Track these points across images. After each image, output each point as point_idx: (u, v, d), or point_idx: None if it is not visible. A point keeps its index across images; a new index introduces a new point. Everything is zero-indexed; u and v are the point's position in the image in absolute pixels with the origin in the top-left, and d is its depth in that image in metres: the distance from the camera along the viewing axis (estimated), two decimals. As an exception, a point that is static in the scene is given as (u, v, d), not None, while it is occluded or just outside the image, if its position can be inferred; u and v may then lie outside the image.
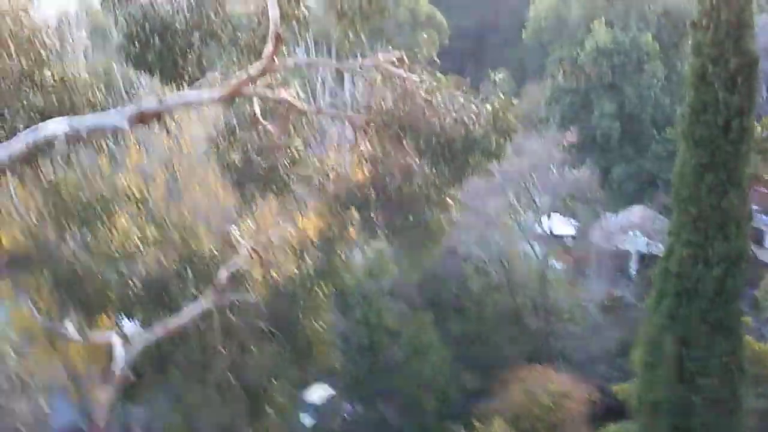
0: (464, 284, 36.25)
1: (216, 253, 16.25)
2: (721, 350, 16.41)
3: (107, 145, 16.47)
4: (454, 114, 13.74)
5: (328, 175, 15.58)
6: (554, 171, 37.12)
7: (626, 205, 55.25)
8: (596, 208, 47.39)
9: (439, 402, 32.76)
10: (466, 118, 13.56)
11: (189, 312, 14.79)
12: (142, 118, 13.18)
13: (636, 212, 52.54)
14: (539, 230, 40.19)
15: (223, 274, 15.17)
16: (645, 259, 47.48)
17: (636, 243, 48.64)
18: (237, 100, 15.22)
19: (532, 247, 38.88)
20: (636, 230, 49.54)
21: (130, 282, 15.28)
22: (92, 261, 14.44)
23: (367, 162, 15.03)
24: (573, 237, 50.53)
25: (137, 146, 20.45)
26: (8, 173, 15.16)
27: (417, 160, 14.57)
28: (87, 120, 13.30)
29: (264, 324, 15.90)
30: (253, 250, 15.95)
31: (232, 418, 15.26)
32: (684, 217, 16.77)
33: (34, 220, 15.29)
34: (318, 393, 37.23)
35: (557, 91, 62.47)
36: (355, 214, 15.65)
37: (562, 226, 48.38)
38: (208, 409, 15.35)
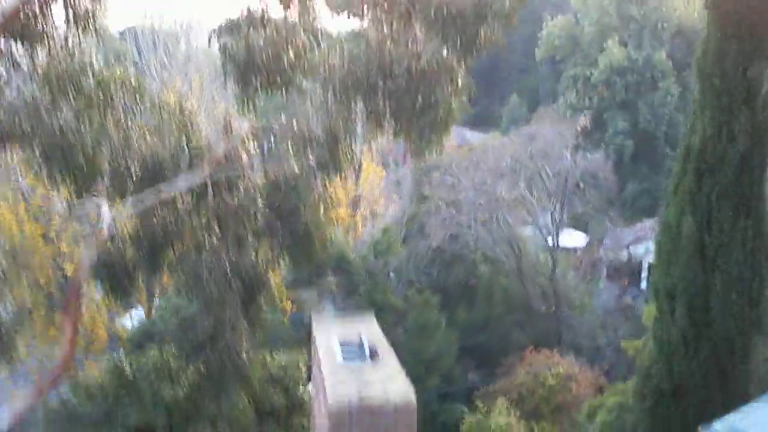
0: (472, 269, 35.46)
1: (213, 141, 15.62)
2: (743, 229, 15.45)
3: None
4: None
5: (333, 65, 14.99)
6: (567, 156, 36.47)
7: (639, 220, 54.68)
8: (608, 218, 46.73)
9: (443, 382, 31.65)
10: (478, -20, 13.10)
11: (182, 182, 14.12)
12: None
13: (648, 225, 52.01)
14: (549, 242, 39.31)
15: (219, 150, 14.54)
16: (656, 269, 46.67)
17: (647, 253, 47.91)
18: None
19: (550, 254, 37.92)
20: (648, 241, 48.93)
21: (122, 157, 14.63)
22: (85, 133, 13.82)
23: (374, 45, 14.52)
24: (584, 248, 50.04)
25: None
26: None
27: (427, 35, 14.07)
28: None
29: (261, 213, 15.15)
30: (253, 135, 15.37)
31: (225, 309, 14.44)
32: (708, 92, 15.92)
33: (27, 96, 14.74)
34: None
35: (569, 109, 62.21)
36: (361, 104, 15.00)
37: (571, 238, 47.84)
38: (201, 297, 14.58)
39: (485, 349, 33.76)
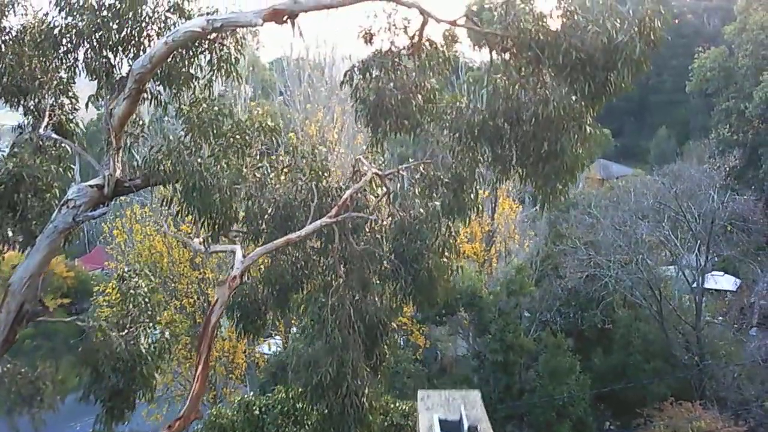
0: (609, 313, 34.28)
1: (342, 185, 15.97)
2: None
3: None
4: (595, 27, 13.08)
5: (460, 109, 15.03)
6: (714, 197, 34.71)
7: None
8: (757, 263, 44.00)
9: (574, 430, 30.65)
10: (609, 26, 12.83)
11: (310, 227, 14.50)
12: (275, 16, 13.30)
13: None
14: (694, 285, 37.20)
15: (346, 195, 14.84)
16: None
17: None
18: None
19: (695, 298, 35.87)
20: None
21: (257, 202, 15.24)
22: (223, 176, 14.49)
23: (502, 90, 14.45)
24: (733, 292, 47.40)
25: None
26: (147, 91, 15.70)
27: (554, 81, 13.88)
28: (223, 16, 13.59)
29: (385, 258, 15.34)
30: (379, 177, 15.61)
31: (348, 354, 14.63)
32: None
33: (170, 137, 15.63)
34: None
35: (721, 144, 59.36)
36: (487, 149, 14.94)
37: (720, 281, 45.43)
38: (325, 341, 14.85)
39: (621, 397, 32.46)
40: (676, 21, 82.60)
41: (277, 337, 37.31)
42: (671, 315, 34.05)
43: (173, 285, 36.31)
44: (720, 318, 41.61)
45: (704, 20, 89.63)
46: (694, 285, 36.22)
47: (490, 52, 14.58)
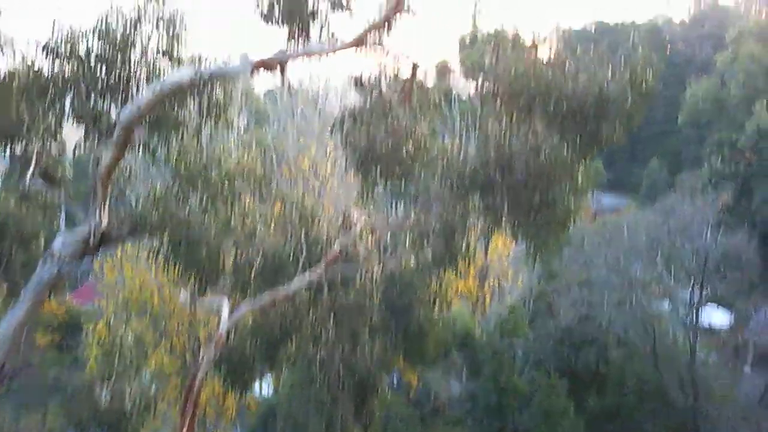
0: (603, 353, 33.89)
1: (332, 235, 15.68)
2: None
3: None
4: (586, 76, 12.94)
5: (451, 159, 14.81)
6: (707, 234, 34.55)
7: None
8: (751, 301, 43.82)
9: (570, 474, 30.19)
10: (600, 76, 12.71)
11: (298, 282, 14.22)
12: (264, 66, 13.13)
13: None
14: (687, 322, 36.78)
15: (335, 247, 14.57)
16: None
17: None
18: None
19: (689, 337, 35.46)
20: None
21: (245, 254, 14.94)
22: (210, 227, 14.23)
23: (494, 138, 14.25)
24: (727, 329, 47.09)
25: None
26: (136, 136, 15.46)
27: (546, 130, 13.70)
28: (211, 67, 13.40)
29: (375, 310, 15.04)
30: (370, 230, 15.35)
31: (337, 411, 14.29)
32: None
33: (158, 186, 15.37)
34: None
35: (714, 176, 59.31)
36: (479, 199, 14.68)
37: (714, 316, 45.15)
38: (314, 399, 14.52)
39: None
40: (668, 47, 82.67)
41: (269, 375, 36.77)
42: (666, 354, 33.71)
43: (163, 324, 35.79)
44: (714, 355, 41.30)
45: (696, 48, 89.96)
46: (689, 322, 35.97)
47: (481, 101, 14.45)
